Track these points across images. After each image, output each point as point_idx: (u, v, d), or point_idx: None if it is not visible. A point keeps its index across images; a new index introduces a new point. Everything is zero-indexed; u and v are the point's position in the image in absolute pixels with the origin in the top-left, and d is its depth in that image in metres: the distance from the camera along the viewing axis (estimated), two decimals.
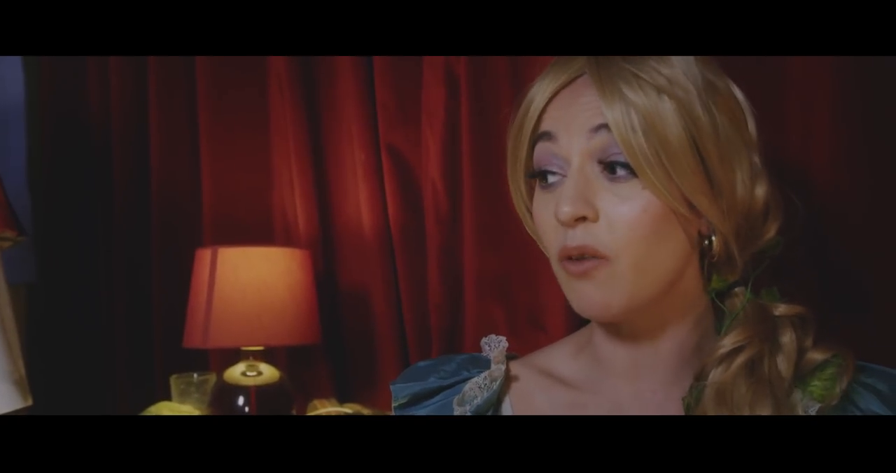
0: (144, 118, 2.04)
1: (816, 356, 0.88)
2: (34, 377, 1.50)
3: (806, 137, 1.19)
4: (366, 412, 1.65)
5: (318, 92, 1.84)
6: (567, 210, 0.83)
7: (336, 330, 1.82)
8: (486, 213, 1.53)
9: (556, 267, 0.88)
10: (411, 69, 1.67)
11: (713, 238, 0.87)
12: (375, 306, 1.75)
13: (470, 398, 0.92)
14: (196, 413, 1.71)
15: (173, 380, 1.76)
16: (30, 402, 1.42)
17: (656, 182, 0.82)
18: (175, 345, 1.75)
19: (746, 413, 0.83)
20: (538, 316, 1.49)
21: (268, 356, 1.72)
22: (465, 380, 0.94)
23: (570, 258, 0.85)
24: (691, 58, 0.85)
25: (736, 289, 0.91)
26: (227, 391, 1.68)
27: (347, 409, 1.66)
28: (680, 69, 0.84)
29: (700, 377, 0.87)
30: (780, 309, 0.89)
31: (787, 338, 0.88)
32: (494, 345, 0.96)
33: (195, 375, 1.76)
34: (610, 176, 0.84)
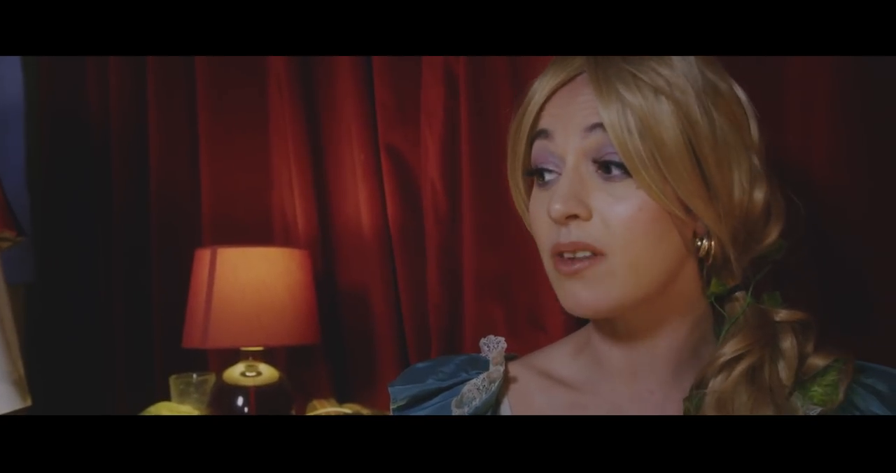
0: (143, 118, 2.04)
1: (817, 361, 0.88)
2: (33, 377, 1.50)
3: (805, 137, 1.19)
4: (365, 412, 1.65)
5: (317, 92, 1.84)
6: (558, 207, 0.83)
7: (335, 330, 1.82)
8: (486, 213, 1.53)
9: (549, 266, 0.88)
10: (410, 69, 1.66)
11: (706, 241, 0.86)
12: (375, 306, 1.75)
13: (468, 400, 0.92)
14: (195, 413, 1.71)
15: (172, 381, 1.76)
16: (29, 403, 1.42)
17: (651, 183, 0.82)
18: (174, 346, 1.75)
19: None
20: (538, 315, 1.48)
21: (267, 356, 1.71)
22: (464, 382, 0.94)
23: (561, 255, 0.85)
24: (692, 59, 0.85)
25: (737, 294, 0.90)
26: (227, 391, 1.68)
27: (347, 409, 1.66)
28: (680, 71, 0.83)
29: (700, 385, 0.86)
30: (782, 315, 0.88)
31: (788, 344, 0.88)
32: (493, 346, 0.96)
33: (194, 375, 1.76)
34: (605, 175, 0.84)
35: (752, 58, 1.00)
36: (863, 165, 1.16)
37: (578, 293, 0.85)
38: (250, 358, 1.70)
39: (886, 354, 0.95)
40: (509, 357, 0.97)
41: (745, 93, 0.88)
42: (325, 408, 1.67)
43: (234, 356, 1.71)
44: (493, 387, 0.92)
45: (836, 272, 1.16)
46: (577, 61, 0.86)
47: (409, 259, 1.69)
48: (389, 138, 1.71)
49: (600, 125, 0.83)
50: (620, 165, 0.83)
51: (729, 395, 0.84)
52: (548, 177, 0.87)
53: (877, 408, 0.88)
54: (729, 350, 0.86)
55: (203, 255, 1.69)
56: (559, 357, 0.96)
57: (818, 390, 0.87)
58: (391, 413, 0.96)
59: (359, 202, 1.76)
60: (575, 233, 0.84)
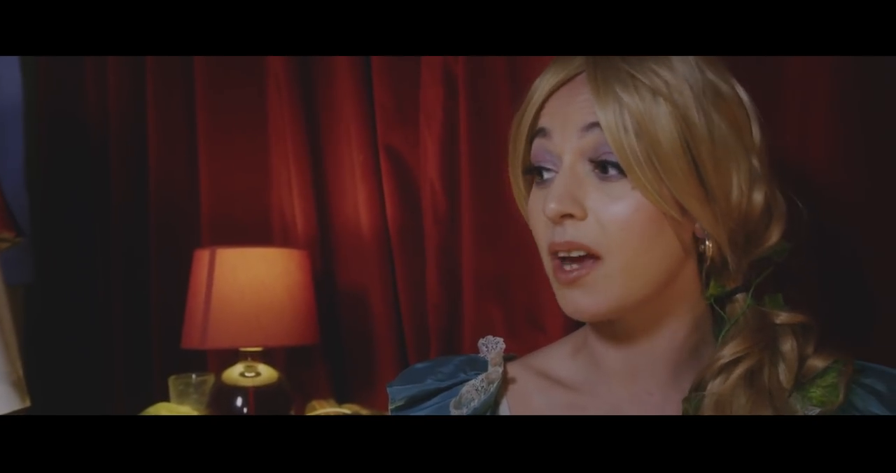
0: (142, 118, 2.04)
1: (817, 363, 0.87)
2: (32, 378, 1.49)
3: (804, 138, 1.19)
4: (364, 412, 1.65)
5: (316, 92, 1.84)
6: (553, 206, 0.83)
7: (334, 330, 1.82)
8: (485, 213, 1.53)
9: (548, 268, 0.88)
10: (409, 69, 1.66)
11: (707, 243, 0.86)
12: (374, 306, 1.75)
13: (467, 400, 0.92)
14: (194, 414, 1.71)
15: (171, 381, 1.76)
16: (28, 404, 1.41)
17: (646, 183, 0.82)
18: (173, 346, 1.75)
19: None
20: (537, 316, 1.48)
21: (266, 357, 1.71)
22: (463, 382, 0.94)
23: (558, 256, 0.85)
24: (693, 60, 0.84)
25: (737, 295, 0.90)
26: (226, 392, 1.68)
27: (346, 410, 1.66)
28: (680, 72, 0.83)
29: (699, 387, 0.86)
30: (782, 318, 0.88)
31: (788, 347, 0.87)
32: (492, 347, 0.96)
33: (193, 376, 1.76)
34: (601, 174, 0.84)
35: (752, 58, 1.00)
36: (861, 165, 1.16)
37: (578, 300, 0.85)
38: (249, 359, 1.70)
39: (886, 354, 0.95)
40: (508, 357, 0.97)
41: (746, 94, 0.88)
42: (325, 409, 1.67)
43: (233, 356, 1.71)
44: (492, 388, 0.92)
45: (835, 272, 1.16)
46: (578, 60, 0.86)
47: (408, 259, 1.69)
48: (388, 138, 1.71)
49: (597, 124, 0.83)
50: (617, 165, 0.83)
51: (727, 398, 0.84)
52: (546, 175, 0.87)
53: (875, 408, 0.87)
54: (728, 352, 0.85)
55: (202, 256, 1.69)
56: (557, 357, 0.96)
57: (817, 391, 0.87)
58: (390, 414, 0.96)
59: (358, 202, 1.76)
60: (570, 232, 0.84)
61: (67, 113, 2.18)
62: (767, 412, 0.83)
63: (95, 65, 2.13)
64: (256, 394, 1.67)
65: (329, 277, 1.83)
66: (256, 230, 1.91)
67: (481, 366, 0.95)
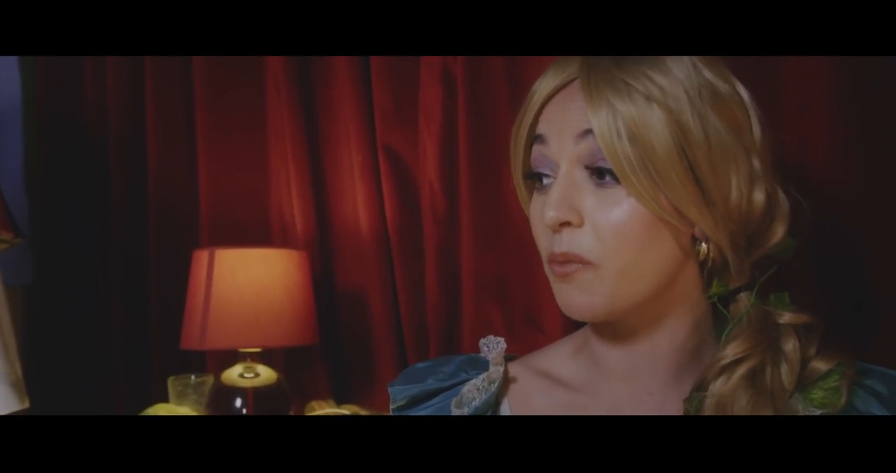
0: (141, 118, 2.04)
1: (820, 365, 0.87)
2: (31, 379, 1.49)
3: (803, 137, 1.19)
4: (363, 413, 1.65)
5: (315, 92, 1.84)
6: (552, 214, 0.83)
7: (333, 331, 1.82)
8: (484, 214, 1.52)
9: (547, 269, 0.88)
10: (408, 69, 1.66)
11: (705, 244, 0.85)
12: (373, 307, 1.75)
13: (468, 400, 0.92)
14: (193, 414, 1.71)
15: (170, 382, 1.76)
16: (27, 404, 1.41)
17: (641, 189, 0.81)
18: (172, 347, 1.75)
19: None
20: (535, 316, 1.49)
21: (265, 357, 1.71)
22: (464, 382, 0.94)
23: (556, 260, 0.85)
24: (689, 61, 0.84)
25: (741, 295, 0.89)
26: (225, 392, 1.68)
27: (345, 410, 1.66)
28: (675, 76, 0.82)
29: (700, 387, 0.86)
30: (786, 318, 0.87)
31: (791, 347, 0.87)
32: (493, 346, 0.96)
33: (192, 377, 1.76)
34: (597, 181, 0.84)
35: (751, 57, 1.00)
36: (860, 165, 1.16)
37: (572, 296, 0.85)
38: (248, 360, 1.70)
39: (887, 354, 0.95)
40: (509, 357, 0.97)
41: (747, 91, 0.87)
42: (324, 409, 1.67)
43: (232, 357, 1.71)
44: (493, 388, 0.92)
45: (834, 272, 1.16)
46: (574, 65, 0.85)
47: (408, 259, 1.69)
48: (387, 139, 1.71)
49: (591, 131, 0.83)
50: (612, 172, 0.82)
51: (728, 398, 0.84)
52: (545, 181, 0.87)
53: (876, 410, 0.87)
54: (730, 352, 0.85)
55: (201, 256, 1.69)
56: (558, 357, 0.96)
57: (819, 393, 0.86)
58: (391, 413, 0.96)
59: (357, 203, 1.76)
60: (566, 242, 0.84)
61: (66, 113, 2.18)
62: (768, 413, 0.83)
63: (94, 65, 2.13)
64: (255, 395, 1.67)
65: (328, 278, 1.83)
66: (255, 230, 1.91)
67: (482, 366, 0.95)
